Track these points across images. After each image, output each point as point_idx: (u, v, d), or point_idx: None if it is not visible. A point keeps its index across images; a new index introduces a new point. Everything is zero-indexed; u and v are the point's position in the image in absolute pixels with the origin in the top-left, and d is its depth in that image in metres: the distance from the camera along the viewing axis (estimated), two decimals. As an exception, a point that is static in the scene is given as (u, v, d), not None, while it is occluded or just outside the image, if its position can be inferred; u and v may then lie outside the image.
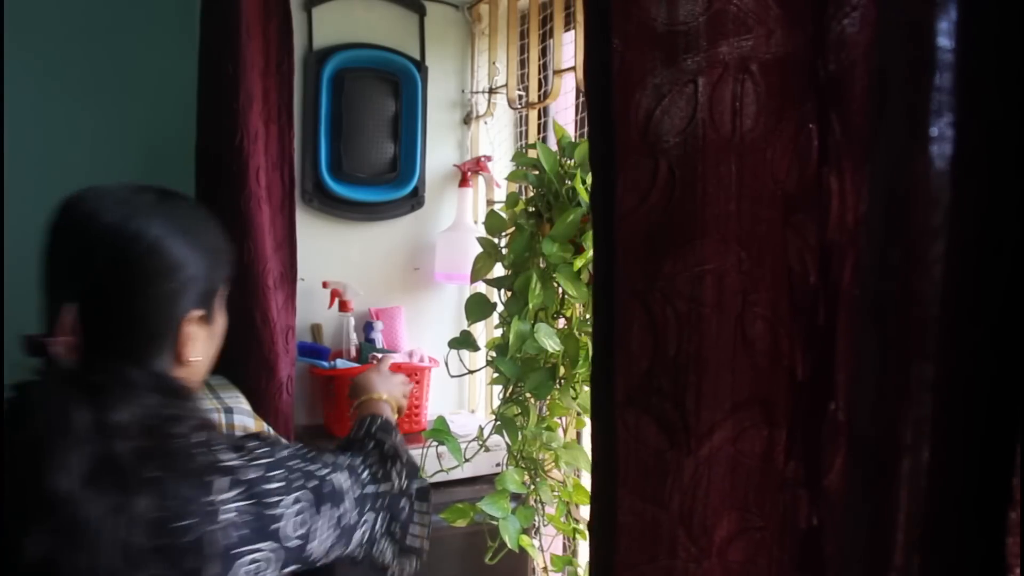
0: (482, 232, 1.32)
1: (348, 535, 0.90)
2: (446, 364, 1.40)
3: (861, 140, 0.41)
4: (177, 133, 1.65)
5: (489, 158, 1.87)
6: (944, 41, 0.35)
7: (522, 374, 1.17)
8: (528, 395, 1.19)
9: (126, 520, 0.69)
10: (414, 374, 1.71)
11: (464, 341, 1.29)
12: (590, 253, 1.10)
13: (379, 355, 1.63)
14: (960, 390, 0.35)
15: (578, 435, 1.48)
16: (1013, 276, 0.34)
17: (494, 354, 1.21)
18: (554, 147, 1.24)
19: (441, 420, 1.27)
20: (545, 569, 1.32)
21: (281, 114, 1.52)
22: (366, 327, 1.80)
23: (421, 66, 1.85)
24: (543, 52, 1.72)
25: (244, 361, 1.45)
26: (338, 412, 1.67)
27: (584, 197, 1.12)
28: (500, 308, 1.26)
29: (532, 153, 1.23)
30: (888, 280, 0.38)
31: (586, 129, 1.26)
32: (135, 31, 2.10)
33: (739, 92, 0.48)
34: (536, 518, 1.26)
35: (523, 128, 1.87)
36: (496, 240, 1.29)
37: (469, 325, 1.32)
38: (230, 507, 0.76)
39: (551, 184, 1.18)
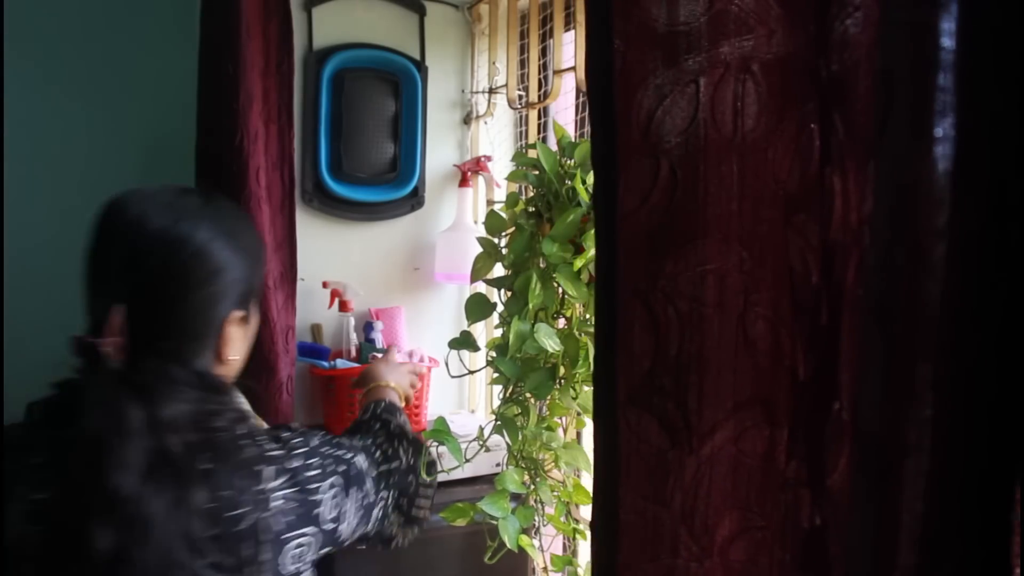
0: (482, 232, 1.32)
1: (369, 513, 0.95)
2: (446, 364, 1.40)
3: (864, 140, 0.41)
4: (177, 133, 1.64)
5: (489, 158, 1.87)
6: (948, 41, 0.35)
7: (522, 374, 1.17)
8: (528, 395, 1.19)
9: (185, 512, 0.73)
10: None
11: (464, 341, 1.29)
12: (590, 253, 1.10)
13: (379, 355, 1.64)
14: (966, 390, 0.36)
15: (578, 435, 1.48)
16: (1019, 276, 0.34)
17: (494, 354, 1.21)
18: (554, 147, 1.24)
19: (441, 420, 1.26)
20: (545, 569, 1.32)
21: (281, 114, 1.52)
22: (366, 327, 1.80)
23: (421, 66, 1.85)
24: (543, 52, 1.72)
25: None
26: (338, 412, 1.67)
27: (584, 197, 1.12)
28: (500, 308, 1.26)
29: (532, 153, 1.23)
30: (893, 280, 0.38)
31: (586, 129, 1.26)
32: (135, 31, 2.10)
33: (740, 92, 0.48)
34: (536, 518, 1.26)
35: (523, 128, 1.87)
36: (496, 240, 1.29)
37: (469, 325, 1.32)
38: (278, 495, 0.81)
39: (551, 184, 1.18)
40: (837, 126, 0.44)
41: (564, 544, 1.56)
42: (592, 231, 1.09)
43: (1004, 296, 0.34)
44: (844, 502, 0.43)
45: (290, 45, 1.53)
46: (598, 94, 0.54)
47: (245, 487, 0.78)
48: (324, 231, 1.80)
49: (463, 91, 1.94)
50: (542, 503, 1.26)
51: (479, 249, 1.31)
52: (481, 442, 1.27)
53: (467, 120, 1.93)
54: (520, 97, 1.77)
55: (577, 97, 1.66)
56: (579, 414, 1.24)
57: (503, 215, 1.28)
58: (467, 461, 1.23)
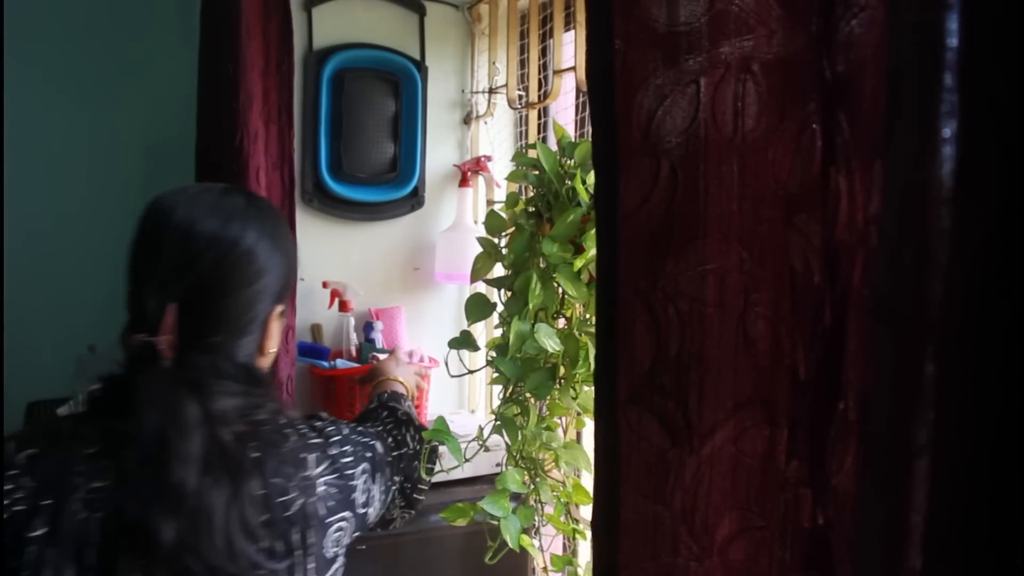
0: (482, 232, 1.32)
1: (385, 497, 1.00)
2: (446, 364, 1.40)
3: (871, 140, 0.41)
4: (177, 133, 1.65)
5: (489, 158, 1.87)
6: (955, 42, 0.35)
7: (522, 374, 1.17)
8: (528, 395, 1.19)
9: (241, 501, 0.76)
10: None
11: (464, 341, 1.29)
12: (590, 253, 1.10)
13: (379, 356, 1.64)
14: (975, 391, 0.35)
15: (578, 435, 1.48)
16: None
17: (494, 354, 1.21)
18: (554, 147, 1.24)
19: (441, 420, 1.26)
20: (545, 569, 1.32)
21: (281, 114, 1.52)
22: (366, 327, 1.80)
23: (421, 66, 1.85)
24: (543, 52, 1.72)
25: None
26: (338, 412, 1.67)
27: (584, 197, 1.12)
28: (500, 308, 1.26)
29: (532, 153, 1.23)
30: (901, 280, 0.38)
31: (587, 129, 1.26)
32: (135, 31, 2.10)
33: (741, 92, 0.48)
34: (536, 518, 1.26)
35: (523, 128, 1.87)
36: (496, 240, 1.29)
37: (469, 325, 1.32)
38: (321, 481, 0.86)
39: (551, 184, 1.18)
40: (843, 126, 0.44)
41: (564, 544, 1.56)
42: (592, 231, 1.10)
43: (1013, 296, 0.34)
44: (850, 502, 0.43)
45: (290, 45, 1.53)
46: (598, 94, 0.54)
47: (292, 474, 0.82)
48: (324, 231, 1.80)
49: (463, 91, 1.94)
50: (542, 503, 1.26)
51: (479, 249, 1.31)
52: (481, 442, 1.27)
53: (467, 120, 1.93)
54: (520, 97, 1.77)
55: (577, 97, 1.66)
56: (579, 414, 1.24)
57: (503, 215, 1.28)
58: (467, 461, 1.23)
